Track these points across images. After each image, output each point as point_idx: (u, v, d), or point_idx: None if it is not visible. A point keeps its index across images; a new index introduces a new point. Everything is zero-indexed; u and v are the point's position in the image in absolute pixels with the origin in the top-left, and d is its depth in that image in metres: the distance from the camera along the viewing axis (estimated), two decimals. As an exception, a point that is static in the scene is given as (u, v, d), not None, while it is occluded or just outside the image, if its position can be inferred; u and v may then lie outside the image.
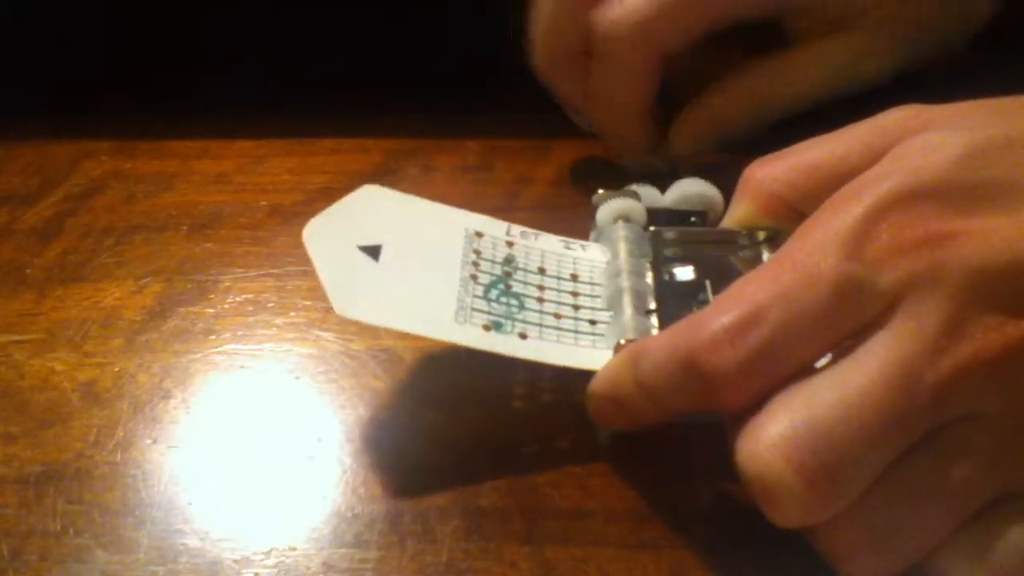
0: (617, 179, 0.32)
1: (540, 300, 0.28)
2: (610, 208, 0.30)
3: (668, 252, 0.29)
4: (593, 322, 0.27)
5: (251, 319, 0.31)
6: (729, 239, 0.28)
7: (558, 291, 0.28)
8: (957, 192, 0.22)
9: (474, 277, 0.28)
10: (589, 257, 0.30)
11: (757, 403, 0.22)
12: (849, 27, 0.33)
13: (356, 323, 0.30)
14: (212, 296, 0.32)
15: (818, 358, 0.22)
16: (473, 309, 0.27)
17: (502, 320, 0.27)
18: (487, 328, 0.26)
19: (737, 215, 0.28)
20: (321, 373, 0.29)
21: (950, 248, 0.21)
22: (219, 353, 0.30)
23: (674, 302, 0.27)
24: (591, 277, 0.29)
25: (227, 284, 0.32)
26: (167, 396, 0.28)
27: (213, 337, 0.30)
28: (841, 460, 0.20)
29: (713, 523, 0.25)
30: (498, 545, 0.24)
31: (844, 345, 0.22)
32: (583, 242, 0.30)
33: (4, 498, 0.26)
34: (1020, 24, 0.33)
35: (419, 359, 0.29)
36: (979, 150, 0.23)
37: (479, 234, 0.29)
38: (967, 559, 0.21)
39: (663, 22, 0.31)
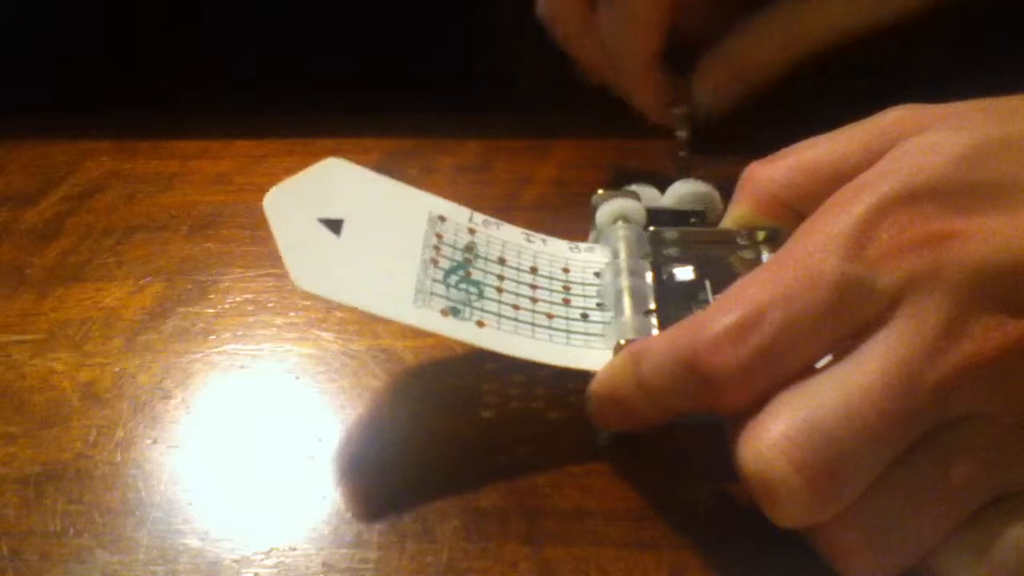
0: (617, 179, 0.32)
1: (499, 290, 0.28)
2: (610, 208, 0.30)
3: (668, 252, 0.29)
4: (550, 316, 0.27)
5: (251, 319, 0.31)
6: (729, 239, 0.28)
7: (517, 282, 0.28)
8: (956, 192, 0.22)
9: (435, 261, 0.27)
10: (549, 251, 0.30)
11: (758, 403, 0.22)
12: None
13: (356, 323, 0.30)
14: (212, 296, 0.32)
15: (819, 358, 0.22)
16: (432, 293, 0.26)
17: (460, 306, 0.26)
18: (445, 313, 0.26)
19: (736, 215, 0.28)
20: (321, 373, 0.29)
21: (950, 248, 0.21)
22: (219, 353, 0.30)
23: (674, 302, 0.27)
24: (550, 272, 0.29)
25: (227, 284, 0.32)
26: (167, 396, 0.28)
27: (213, 337, 0.30)
28: (842, 459, 0.20)
29: (713, 523, 0.25)
30: (498, 545, 0.24)
31: (845, 345, 0.22)
32: (544, 236, 0.30)
33: (4, 498, 0.26)
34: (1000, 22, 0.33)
35: (419, 359, 0.29)
36: (978, 150, 0.23)
37: (442, 218, 0.29)
38: (966, 559, 0.21)
39: None
